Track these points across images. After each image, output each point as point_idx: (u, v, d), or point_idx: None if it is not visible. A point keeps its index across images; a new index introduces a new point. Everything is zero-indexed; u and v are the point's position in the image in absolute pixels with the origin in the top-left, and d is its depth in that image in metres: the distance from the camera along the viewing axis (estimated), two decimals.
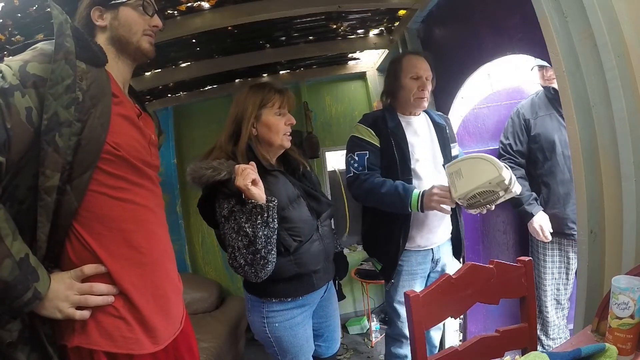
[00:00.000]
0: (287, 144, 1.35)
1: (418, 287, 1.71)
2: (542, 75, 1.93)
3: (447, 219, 1.71)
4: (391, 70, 1.71)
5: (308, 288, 1.36)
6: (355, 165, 1.62)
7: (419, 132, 1.69)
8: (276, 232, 1.19)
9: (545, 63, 1.83)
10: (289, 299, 1.34)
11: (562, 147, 1.83)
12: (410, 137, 1.65)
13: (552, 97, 1.89)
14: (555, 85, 1.85)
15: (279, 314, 1.34)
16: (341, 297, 1.64)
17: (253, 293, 1.37)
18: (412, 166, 1.62)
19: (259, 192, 1.14)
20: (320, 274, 1.39)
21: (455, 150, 1.77)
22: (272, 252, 1.18)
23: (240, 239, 1.15)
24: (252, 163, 1.17)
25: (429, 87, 1.65)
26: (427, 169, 1.65)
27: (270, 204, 1.15)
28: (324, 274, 1.41)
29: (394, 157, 1.61)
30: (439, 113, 1.85)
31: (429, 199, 1.46)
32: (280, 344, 1.37)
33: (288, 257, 1.28)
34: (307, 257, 1.32)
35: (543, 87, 1.95)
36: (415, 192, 1.49)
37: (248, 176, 1.11)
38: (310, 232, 1.33)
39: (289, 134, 1.34)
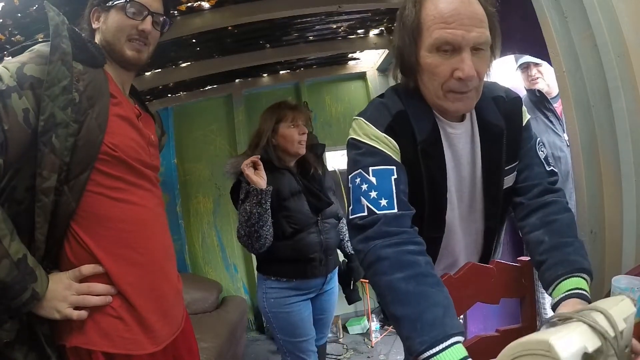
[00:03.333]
0: (302, 151, 1.60)
1: None
2: (526, 77, 1.91)
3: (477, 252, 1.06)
4: (402, 22, 0.84)
5: (302, 273, 1.58)
6: (373, 195, 0.79)
7: (458, 151, 0.90)
8: (270, 213, 1.45)
9: (529, 59, 1.81)
10: (284, 280, 1.58)
11: (552, 148, 1.82)
12: (448, 161, 0.89)
13: (536, 100, 1.86)
14: (539, 86, 1.84)
15: (275, 291, 1.59)
16: (357, 298, 1.87)
17: (260, 271, 1.66)
18: (446, 215, 0.92)
19: (258, 180, 1.42)
20: (315, 263, 1.59)
21: (511, 177, 0.95)
22: (264, 229, 1.45)
23: (243, 214, 1.45)
24: (256, 157, 1.46)
25: (482, 66, 0.79)
26: (459, 214, 0.95)
27: (265, 189, 1.43)
28: (319, 265, 1.60)
29: (420, 196, 0.87)
30: (498, 93, 0.94)
31: None
32: (277, 320, 1.60)
33: (284, 241, 1.53)
34: (302, 244, 1.55)
35: (527, 89, 1.93)
36: (452, 353, 0.66)
37: (246, 164, 1.43)
38: (306, 223, 1.56)
39: (303, 142, 1.58)
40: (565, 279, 0.79)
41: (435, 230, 0.90)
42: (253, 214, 1.42)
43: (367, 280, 3.00)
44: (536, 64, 1.83)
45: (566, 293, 0.78)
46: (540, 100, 1.85)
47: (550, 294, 0.83)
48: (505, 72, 2.30)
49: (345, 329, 3.23)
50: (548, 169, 0.97)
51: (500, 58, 1.73)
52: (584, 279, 0.80)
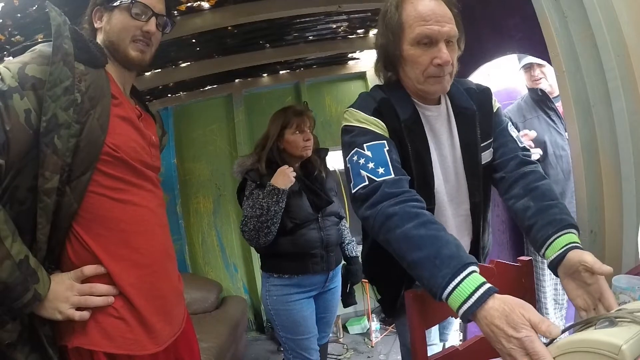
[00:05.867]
0: (307, 154, 1.67)
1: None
2: (529, 77, 1.91)
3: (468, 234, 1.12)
4: (385, 23, 0.99)
5: (303, 269, 1.63)
6: (370, 166, 0.90)
7: (437, 130, 1.04)
8: (281, 213, 1.53)
9: (533, 60, 1.81)
10: (286, 276, 1.64)
11: (553, 147, 1.82)
12: (430, 140, 1.03)
13: (538, 99, 1.86)
14: (542, 86, 1.84)
15: (277, 288, 1.65)
16: (352, 302, 1.90)
17: (263, 269, 1.72)
18: (434, 188, 1.02)
19: (285, 182, 1.54)
20: (316, 259, 1.64)
21: (488, 153, 1.07)
22: (276, 225, 1.53)
23: (255, 210, 1.53)
24: (291, 168, 1.58)
25: (454, 55, 0.95)
26: (446, 192, 1.05)
27: (284, 189, 1.54)
28: (321, 261, 1.65)
29: (408, 169, 0.97)
30: (470, 85, 1.11)
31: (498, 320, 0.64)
32: (279, 317, 1.66)
33: (286, 236, 1.60)
34: (303, 239, 1.61)
35: (529, 89, 1.93)
36: (473, 280, 0.70)
37: (290, 176, 1.56)
38: (306, 219, 1.62)
39: (308, 146, 1.66)
40: (559, 236, 0.87)
41: (426, 201, 0.94)
42: (270, 210, 1.51)
43: (367, 280, 3.01)
44: (539, 65, 1.83)
45: (566, 247, 0.84)
46: (542, 99, 1.85)
47: (543, 254, 0.90)
48: (505, 72, 2.31)
49: (345, 328, 3.23)
50: (521, 145, 1.08)
51: (500, 58, 1.74)
52: (574, 233, 0.87)
